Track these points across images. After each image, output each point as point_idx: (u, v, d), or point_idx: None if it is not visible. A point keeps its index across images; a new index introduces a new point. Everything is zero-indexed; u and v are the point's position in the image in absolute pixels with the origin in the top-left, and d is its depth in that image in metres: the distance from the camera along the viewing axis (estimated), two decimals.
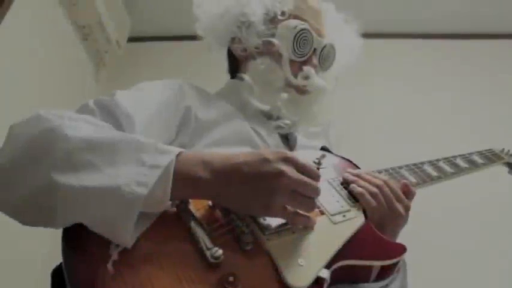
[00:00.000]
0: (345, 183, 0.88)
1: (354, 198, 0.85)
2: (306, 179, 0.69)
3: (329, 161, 0.94)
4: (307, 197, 0.70)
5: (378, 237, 0.78)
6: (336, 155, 1.00)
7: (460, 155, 1.13)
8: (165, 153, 0.66)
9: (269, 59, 1.04)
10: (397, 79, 2.44)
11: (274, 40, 1.03)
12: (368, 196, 0.84)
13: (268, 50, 1.04)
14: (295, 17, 1.05)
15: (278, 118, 1.03)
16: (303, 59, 1.05)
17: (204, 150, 0.87)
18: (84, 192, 0.62)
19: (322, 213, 0.78)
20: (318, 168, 0.91)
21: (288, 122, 1.02)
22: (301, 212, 0.71)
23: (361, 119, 2.24)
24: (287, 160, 0.69)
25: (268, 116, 1.04)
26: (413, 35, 2.60)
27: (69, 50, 2.23)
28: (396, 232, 0.88)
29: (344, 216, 0.79)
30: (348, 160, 0.98)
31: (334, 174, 0.90)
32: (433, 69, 2.47)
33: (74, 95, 2.19)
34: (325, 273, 0.66)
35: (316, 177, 0.72)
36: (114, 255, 0.61)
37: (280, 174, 0.67)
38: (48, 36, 2.04)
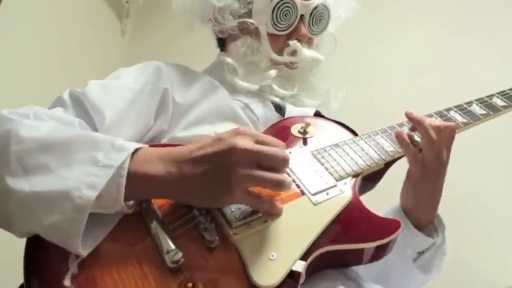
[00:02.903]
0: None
1: (342, 169, 0.76)
2: (265, 147, 0.62)
3: (318, 127, 0.85)
4: (273, 169, 0.62)
5: (367, 215, 0.69)
6: (328, 119, 0.90)
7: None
8: (121, 150, 0.62)
9: (249, 39, 0.95)
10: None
11: (249, 20, 0.93)
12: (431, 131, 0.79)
13: (246, 30, 0.95)
14: None
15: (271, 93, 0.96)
16: (288, 31, 0.95)
17: (183, 133, 0.82)
18: (35, 199, 0.59)
19: (303, 193, 0.71)
20: (305, 139, 0.83)
21: (285, 93, 0.95)
22: (274, 190, 0.65)
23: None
24: (240, 133, 0.62)
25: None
26: None
27: (90, 5, 2.12)
28: (437, 184, 0.83)
29: (327, 194, 0.70)
30: (343, 124, 0.88)
31: (322, 143, 0.81)
32: None
33: (101, 51, 2.14)
34: (300, 266, 0.59)
35: (279, 145, 0.64)
36: (73, 268, 0.58)
37: (234, 147, 0.60)
38: None
